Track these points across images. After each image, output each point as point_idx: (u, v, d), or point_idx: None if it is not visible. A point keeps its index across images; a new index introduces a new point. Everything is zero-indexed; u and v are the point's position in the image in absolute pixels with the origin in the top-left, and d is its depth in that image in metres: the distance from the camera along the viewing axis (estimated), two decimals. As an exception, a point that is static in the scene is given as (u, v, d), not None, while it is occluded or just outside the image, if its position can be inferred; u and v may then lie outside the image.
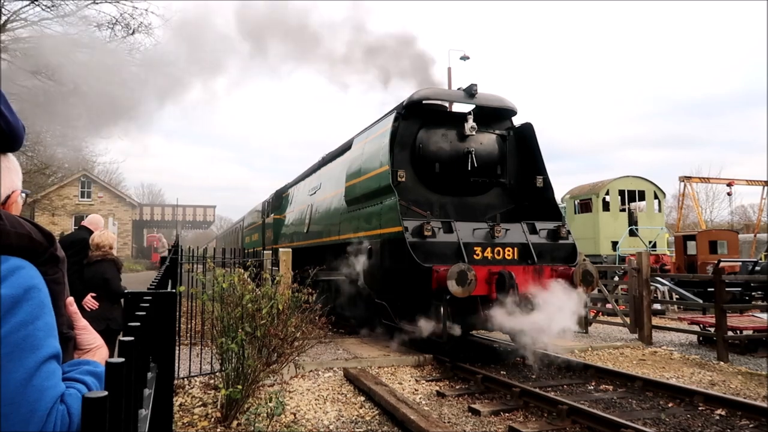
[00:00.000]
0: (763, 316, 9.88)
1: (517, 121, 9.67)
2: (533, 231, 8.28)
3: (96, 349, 1.32)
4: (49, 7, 13.43)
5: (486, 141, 9.12)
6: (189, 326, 7.74)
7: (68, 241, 5.40)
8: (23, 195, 1.41)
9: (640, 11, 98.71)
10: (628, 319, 10.34)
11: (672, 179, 57.07)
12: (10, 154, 1.32)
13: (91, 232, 5.42)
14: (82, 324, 1.33)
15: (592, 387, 6.79)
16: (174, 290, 3.66)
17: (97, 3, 13.92)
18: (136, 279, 23.27)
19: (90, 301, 4.83)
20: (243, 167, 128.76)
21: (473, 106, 9.01)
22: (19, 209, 1.31)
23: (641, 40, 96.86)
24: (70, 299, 1.29)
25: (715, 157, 79.70)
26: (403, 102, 9.01)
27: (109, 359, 0.90)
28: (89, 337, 1.33)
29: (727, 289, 10.43)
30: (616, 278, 13.64)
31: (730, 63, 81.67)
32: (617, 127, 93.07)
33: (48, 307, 1.07)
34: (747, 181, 26.95)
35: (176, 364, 5.21)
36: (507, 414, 5.73)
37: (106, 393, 0.78)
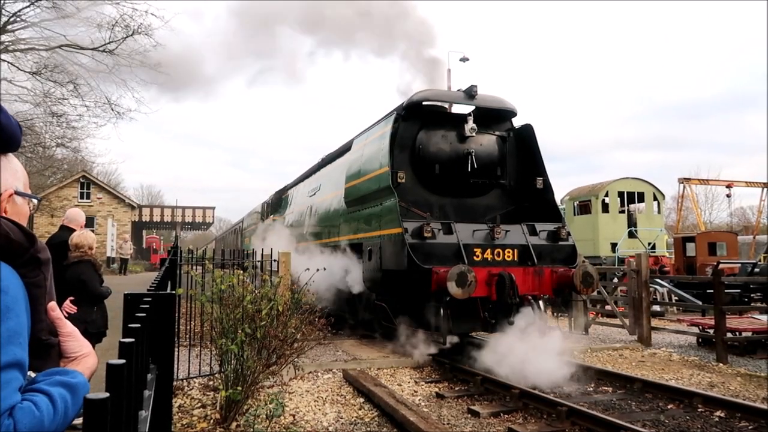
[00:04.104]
0: (763, 317, 9.88)
1: (516, 122, 9.69)
2: (533, 232, 8.27)
3: (82, 358, 1.25)
4: (49, 9, 13.44)
5: (486, 142, 9.12)
6: (188, 327, 7.73)
7: (50, 244, 4.96)
8: (34, 201, 1.39)
9: (623, 13, 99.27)
10: (627, 321, 10.34)
11: (664, 181, 57.67)
12: (10, 155, 1.30)
13: (72, 231, 5.12)
14: (68, 330, 1.26)
15: (591, 388, 6.79)
16: (173, 292, 3.66)
17: (97, 4, 13.93)
18: (135, 280, 23.23)
19: (68, 306, 4.57)
20: (238, 169, 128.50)
21: (473, 108, 9.02)
22: (16, 211, 1.28)
23: (630, 41, 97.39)
24: (52, 304, 1.23)
25: (706, 158, 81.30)
26: (403, 103, 9.02)
27: (109, 361, 0.89)
28: (75, 344, 1.26)
29: (726, 290, 10.43)
30: (616, 280, 13.64)
31: (716, 65, 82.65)
32: (608, 129, 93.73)
33: (13, 312, 1.01)
34: (746, 182, 26.99)
35: (175, 366, 5.20)
36: (506, 415, 5.72)
37: (107, 395, 0.78)
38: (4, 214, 1.21)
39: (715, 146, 76.42)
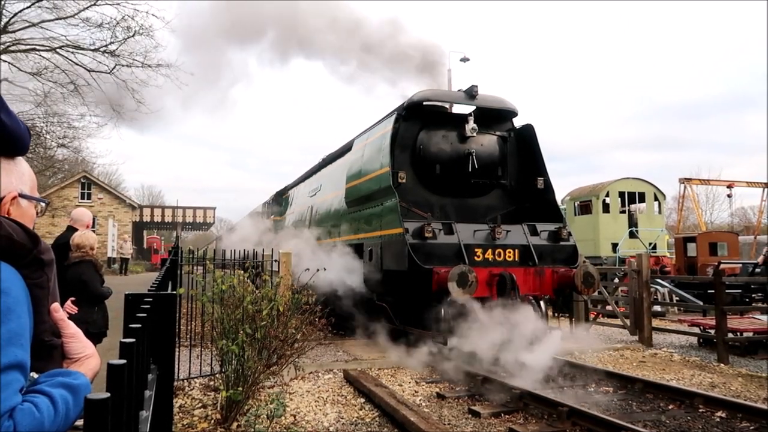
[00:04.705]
0: (764, 318, 9.87)
1: (517, 122, 9.68)
2: (534, 232, 8.27)
3: (85, 359, 1.25)
4: (50, 9, 13.46)
5: (487, 142, 9.12)
6: (189, 328, 7.73)
7: (56, 245, 4.98)
8: (42, 205, 1.39)
9: (623, 13, 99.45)
10: (628, 321, 10.34)
11: (665, 181, 57.91)
12: (18, 158, 1.30)
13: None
14: (71, 332, 1.26)
15: (592, 389, 6.79)
16: (174, 292, 3.66)
17: (98, 5, 13.96)
18: (136, 280, 23.25)
19: (69, 307, 4.53)
20: (239, 169, 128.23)
21: (474, 108, 9.02)
22: (20, 213, 1.28)
23: (630, 41, 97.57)
24: (55, 305, 1.23)
25: (706, 158, 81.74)
26: (403, 103, 9.02)
27: (110, 361, 0.89)
28: (78, 345, 1.26)
29: (727, 291, 10.42)
30: (616, 280, 13.64)
31: (716, 65, 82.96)
32: (608, 129, 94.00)
33: (14, 313, 1.01)
34: (747, 183, 26.98)
35: (176, 366, 5.20)
36: (507, 416, 5.71)
37: (108, 395, 0.78)
38: (7, 216, 1.20)
39: (715, 146, 76.84)
